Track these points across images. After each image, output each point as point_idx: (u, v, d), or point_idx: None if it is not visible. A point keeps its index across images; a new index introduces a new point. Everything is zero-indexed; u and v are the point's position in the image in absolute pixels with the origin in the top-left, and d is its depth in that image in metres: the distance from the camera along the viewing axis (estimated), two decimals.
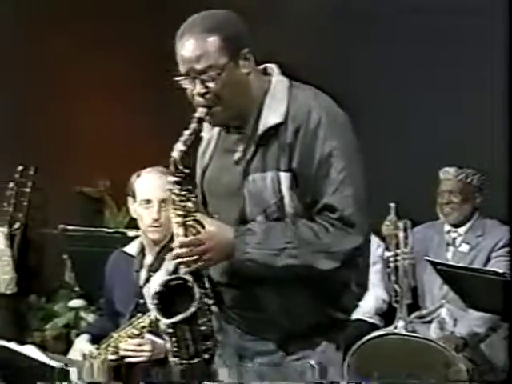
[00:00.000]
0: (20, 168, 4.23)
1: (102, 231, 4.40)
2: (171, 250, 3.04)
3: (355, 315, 3.91)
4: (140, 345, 3.15)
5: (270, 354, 2.39)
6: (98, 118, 5.74)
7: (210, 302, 2.35)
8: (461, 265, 3.95)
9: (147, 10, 5.91)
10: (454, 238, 4.29)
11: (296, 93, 2.36)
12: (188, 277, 2.31)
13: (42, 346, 3.69)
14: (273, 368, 2.39)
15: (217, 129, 2.46)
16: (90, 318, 4.92)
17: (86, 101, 5.72)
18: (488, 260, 4.16)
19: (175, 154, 2.27)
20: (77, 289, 4.93)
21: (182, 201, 2.30)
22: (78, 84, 5.69)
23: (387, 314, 4.45)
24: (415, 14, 4.75)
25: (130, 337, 3.15)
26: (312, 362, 2.36)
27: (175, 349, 2.33)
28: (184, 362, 2.33)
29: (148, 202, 3.27)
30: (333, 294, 2.37)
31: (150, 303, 2.37)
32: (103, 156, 5.65)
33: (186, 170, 2.30)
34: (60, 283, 5.31)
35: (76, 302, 5.21)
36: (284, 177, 2.29)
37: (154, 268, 3.25)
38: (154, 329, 3.12)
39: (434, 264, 3.93)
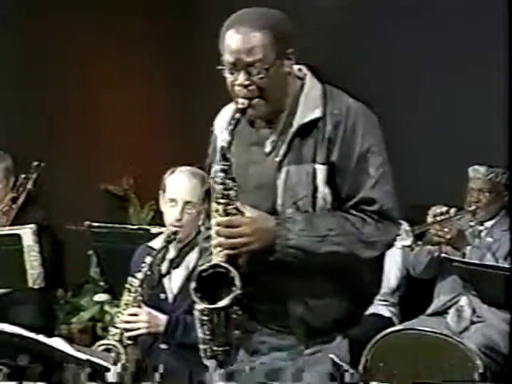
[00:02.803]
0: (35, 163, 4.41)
1: (126, 228, 4.42)
2: (194, 246, 3.15)
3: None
4: (136, 315, 3.17)
5: (288, 348, 2.39)
6: (122, 117, 5.81)
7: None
8: (476, 261, 3.97)
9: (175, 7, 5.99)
10: (480, 231, 4.31)
11: (331, 91, 2.41)
12: (226, 264, 2.26)
13: (69, 339, 3.76)
14: (289, 362, 2.39)
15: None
16: (115, 311, 5.00)
17: (111, 100, 5.78)
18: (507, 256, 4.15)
19: (223, 144, 2.29)
20: (102, 283, 5.01)
21: (225, 189, 2.28)
22: (103, 83, 5.77)
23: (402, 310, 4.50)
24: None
25: (126, 304, 3.18)
26: (331, 356, 2.39)
27: (208, 336, 2.31)
28: (216, 349, 2.32)
29: (173, 201, 3.28)
30: (355, 287, 2.39)
31: (190, 288, 2.30)
32: (128, 155, 5.73)
33: (231, 160, 2.29)
34: (86, 278, 5.42)
35: (101, 296, 5.29)
36: (320, 169, 2.32)
37: (175, 263, 3.29)
38: (144, 291, 3.17)
39: (450, 261, 4.00)
